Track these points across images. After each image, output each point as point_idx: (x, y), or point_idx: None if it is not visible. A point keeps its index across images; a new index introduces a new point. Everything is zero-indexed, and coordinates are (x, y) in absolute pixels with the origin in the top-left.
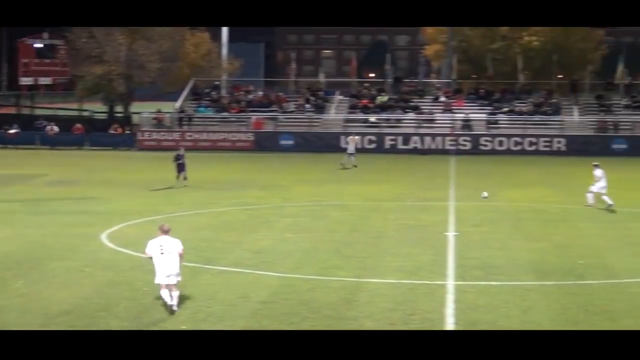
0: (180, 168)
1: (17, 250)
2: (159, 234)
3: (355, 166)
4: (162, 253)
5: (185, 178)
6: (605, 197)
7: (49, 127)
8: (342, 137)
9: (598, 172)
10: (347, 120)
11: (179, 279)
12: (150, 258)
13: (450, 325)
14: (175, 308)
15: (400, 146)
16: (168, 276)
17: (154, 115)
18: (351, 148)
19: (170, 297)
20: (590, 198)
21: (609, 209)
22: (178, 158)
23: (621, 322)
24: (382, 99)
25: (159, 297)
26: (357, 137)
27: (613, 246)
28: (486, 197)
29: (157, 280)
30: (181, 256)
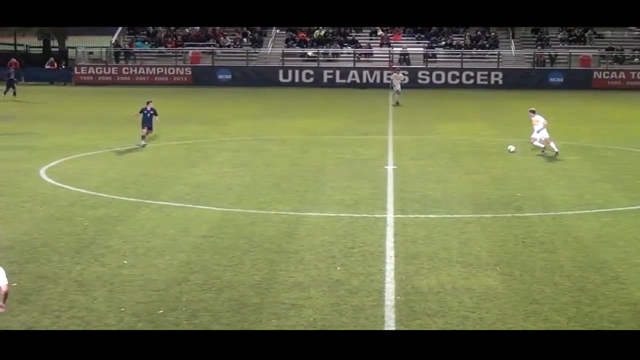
0: (147, 124)
1: None
2: None
3: (398, 103)
4: None
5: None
6: (536, 144)
7: None
8: (280, 71)
9: (538, 118)
10: (285, 55)
11: None
12: None
13: (390, 257)
14: None
15: (338, 80)
16: None
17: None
18: (397, 85)
19: None
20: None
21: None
22: (145, 112)
23: (559, 254)
24: (320, 33)
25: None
26: (400, 73)
27: (550, 179)
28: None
29: None
30: (5, 294)
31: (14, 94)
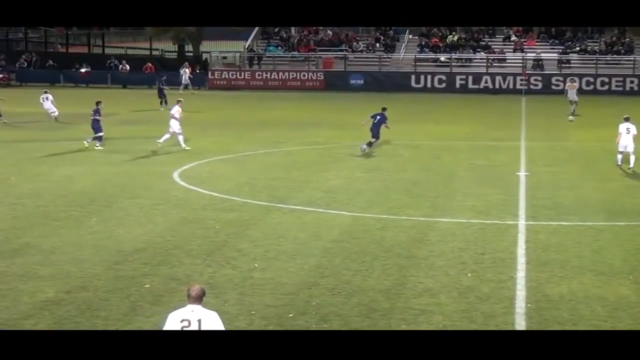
0: (375, 132)
1: (91, 188)
2: (186, 302)
3: (576, 114)
4: None
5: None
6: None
7: (121, 66)
8: (413, 77)
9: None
10: (417, 60)
11: None
12: None
13: (521, 264)
14: None
15: (471, 86)
16: None
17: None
18: (572, 94)
19: None
20: (619, 159)
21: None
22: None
23: None
24: (453, 38)
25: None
26: (575, 83)
27: None
28: (572, 120)
29: None
30: None
31: (165, 102)
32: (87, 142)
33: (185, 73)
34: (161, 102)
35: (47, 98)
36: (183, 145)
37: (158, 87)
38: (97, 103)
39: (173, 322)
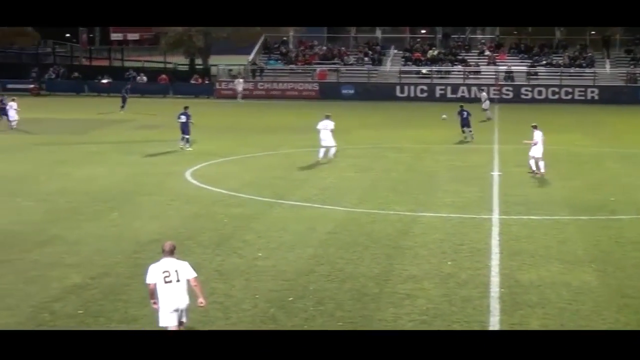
0: (467, 124)
1: (112, 186)
2: (162, 256)
3: (490, 119)
4: (168, 281)
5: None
6: (531, 162)
7: (139, 77)
8: (398, 87)
9: (537, 135)
10: (402, 72)
11: (185, 319)
12: (152, 291)
13: (495, 254)
14: None
15: (449, 95)
16: (176, 311)
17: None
18: (486, 104)
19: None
20: (533, 165)
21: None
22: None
23: None
24: (433, 53)
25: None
26: (484, 93)
27: None
28: (445, 119)
29: (161, 322)
30: (195, 286)
31: (122, 107)
32: (181, 145)
33: (240, 83)
34: (122, 107)
35: (12, 107)
36: (331, 155)
37: (122, 95)
38: (186, 108)
39: (155, 272)
